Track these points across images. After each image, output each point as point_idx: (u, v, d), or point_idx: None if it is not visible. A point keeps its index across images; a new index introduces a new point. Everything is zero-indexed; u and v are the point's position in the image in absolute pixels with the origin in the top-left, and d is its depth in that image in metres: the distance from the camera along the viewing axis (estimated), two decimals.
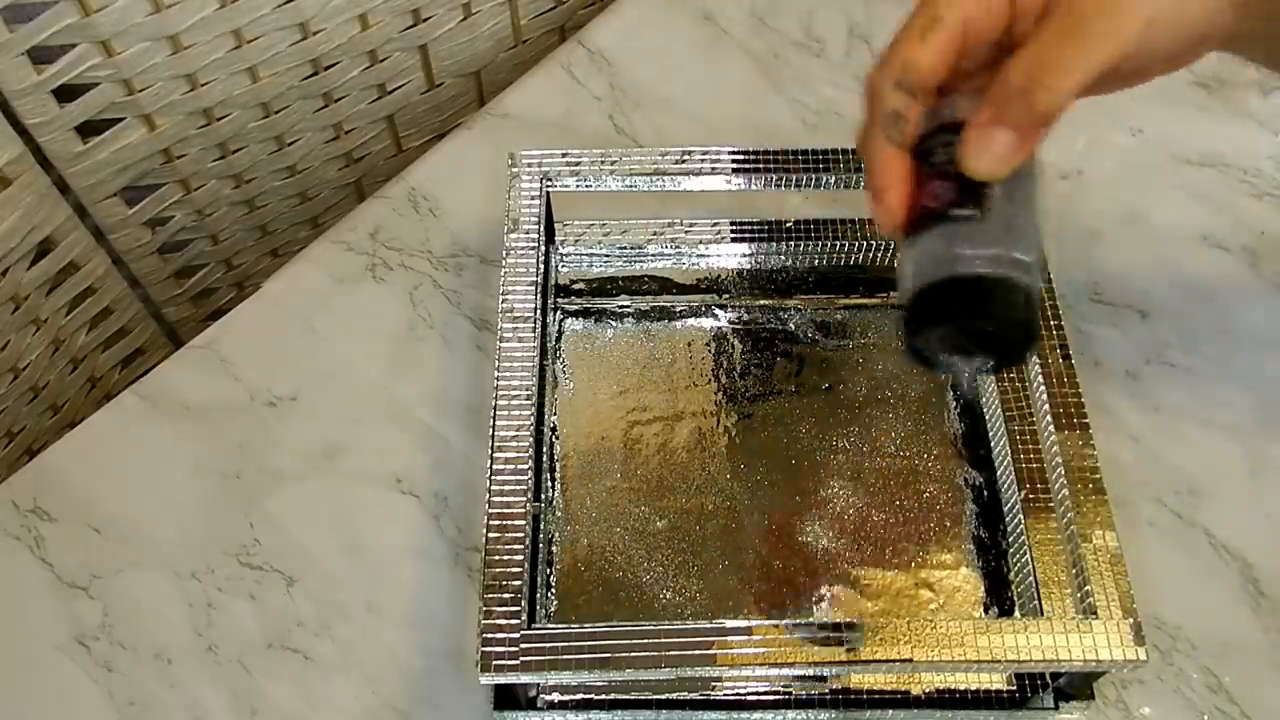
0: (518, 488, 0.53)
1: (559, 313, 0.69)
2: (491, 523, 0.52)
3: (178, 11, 0.72)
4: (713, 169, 0.62)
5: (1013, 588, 0.60)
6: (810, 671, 0.55)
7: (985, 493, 0.63)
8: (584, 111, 0.81)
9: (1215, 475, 0.65)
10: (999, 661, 0.49)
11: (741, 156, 0.62)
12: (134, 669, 0.60)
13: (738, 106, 0.81)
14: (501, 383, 0.56)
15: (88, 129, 0.75)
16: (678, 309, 0.70)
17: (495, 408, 0.56)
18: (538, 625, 0.52)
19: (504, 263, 0.60)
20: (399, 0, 0.81)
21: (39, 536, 0.64)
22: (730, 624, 0.49)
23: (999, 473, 0.63)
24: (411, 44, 0.85)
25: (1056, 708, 0.57)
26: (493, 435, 0.55)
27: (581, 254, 0.70)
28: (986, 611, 0.60)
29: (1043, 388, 0.57)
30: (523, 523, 0.52)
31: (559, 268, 0.70)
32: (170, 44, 0.73)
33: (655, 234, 0.69)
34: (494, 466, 0.54)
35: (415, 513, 0.64)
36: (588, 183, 0.63)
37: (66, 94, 0.72)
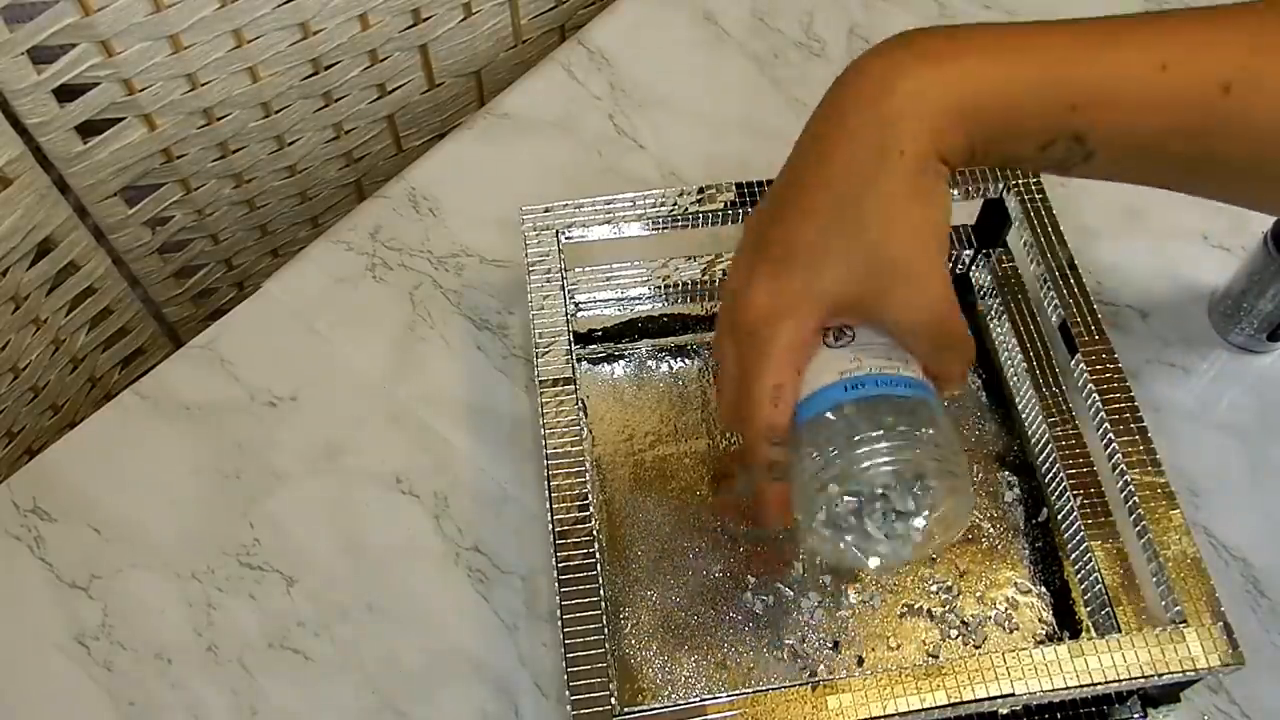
0: (587, 563, 0.52)
1: (583, 364, 0.68)
2: (565, 603, 0.51)
3: (178, 11, 0.72)
4: (723, 207, 0.62)
5: (1078, 599, 0.59)
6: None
7: (1030, 501, 0.63)
8: (584, 111, 0.81)
9: (1215, 475, 0.65)
10: (1098, 684, 0.49)
11: (747, 189, 0.63)
12: (134, 669, 0.60)
13: (738, 106, 0.81)
14: (552, 456, 0.55)
15: (88, 129, 0.75)
16: (701, 346, 0.68)
17: (549, 480, 0.55)
18: (630, 709, 0.50)
19: (533, 324, 0.60)
20: (399, 0, 0.81)
21: (39, 536, 0.64)
22: (826, 678, 0.49)
23: (1046, 481, 0.62)
24: (411, 44, 0.85)
25: (1144, 714, 0.57)
26: (551, 513, 0.54)
27: (596, 300, 0.69)
28: (1059, 624, 0.59)
29: (1095, 394, 0.57)
30: (597, 599, 0.51)
31: (576, 316, 0.69)
32: (170, 44, 0.73)
33: (666, 275, 0.68)
34: (557, 542, 0.53)
35: (415, 513, 0.64)
36: (596, 233, 0.63)
37: (66, 94, 0.72)
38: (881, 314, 0.46)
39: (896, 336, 0.47)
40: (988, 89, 0.44)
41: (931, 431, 0.46)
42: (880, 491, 0.47)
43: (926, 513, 0.47)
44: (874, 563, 0.49)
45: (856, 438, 0.45)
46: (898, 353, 0.48)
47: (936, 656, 0.58)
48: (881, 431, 0.45)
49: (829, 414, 0.46)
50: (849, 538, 0.48)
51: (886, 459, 0.45)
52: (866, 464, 0.45)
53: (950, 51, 0.45)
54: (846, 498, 0.47)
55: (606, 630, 0.51)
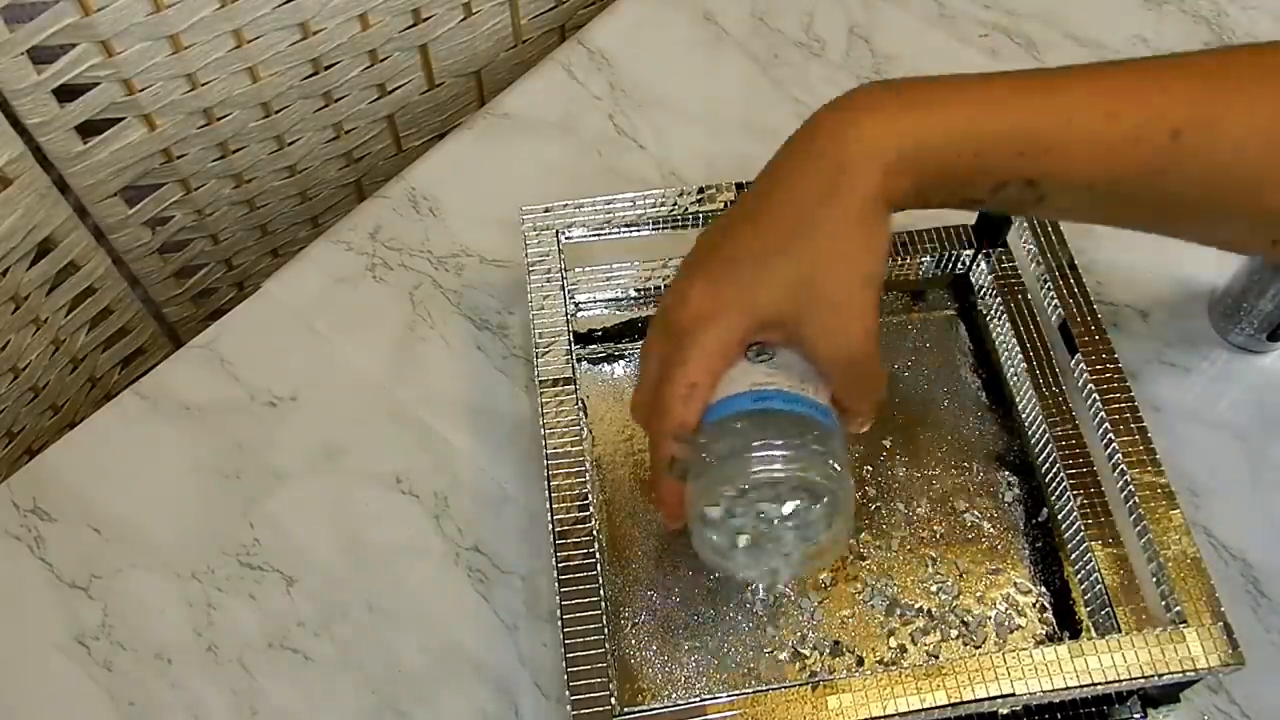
0: (587, 563, 0.53)
1: (583, 364, 0.68)
2: (565, 603, 0.52)
3: (177, 11, 0.72)
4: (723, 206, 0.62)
5: (1078, 599, 0.59)
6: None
7: (1030, 501, 0.62)
8: (584, 111, 0.81)
9: (1215, 475, 0.65)
10: (1098, 684, 0.49)
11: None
12: (134, 669, 0.60)
13: (738, 106, 0.81)
14: (552, 456, 0.56)
15: (88, 129, 0.75)
16: None
17: (549, 480, 0.55)
18: (630, 709, 0.50)
19: (533, 324, 0.60)
20: (399, 0, 0.81)
21: (39, 536, 0.64)
22: (826, 678, 0.49)
23: (1046, 481, 0.62)
24: (411, 44, 0.85)
25: (1144, 714, 0.57)
26: (551, 513, 0.54)
27: (596, 300, 0.69)
28: (1059, 624, 0.59)
29: (1095, 394, 0.57)
30: (598, 599, 0.52)
31: (575, 315, 0.69)
32: (170, 44, 0.73)
33: (666, 276, 0.68)
34: (557, 542, 0.53)
35: (415, 513, 0.64)
36: (599, 233, 0.63)
37: (66, 94, 0.72)
38: (803, 338, 0.48)
39: (814, 363, 0.49)
40: (935, 138, 0.46)
41: (823, 453, 0.47)
42: (763, 500, 0.48)
43: (804, 529, 0.49)
44: (747, 571, 0.50)
45: (750, 445, 0.47)
46: (811, 380, 0.49)
47: (936, 656, 0.58)
48: (775, 443, 0.47)
49: (731, 420, 0.48)
50: (727, 541, 0.49)
51: (774, 467, 0.46)
52: (754, 470, 0.46)
53: (901, 104, 0.47)
54: (730, 502, 0.48)
55: (606, 630, 0.51)
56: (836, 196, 0.47)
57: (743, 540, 0.49)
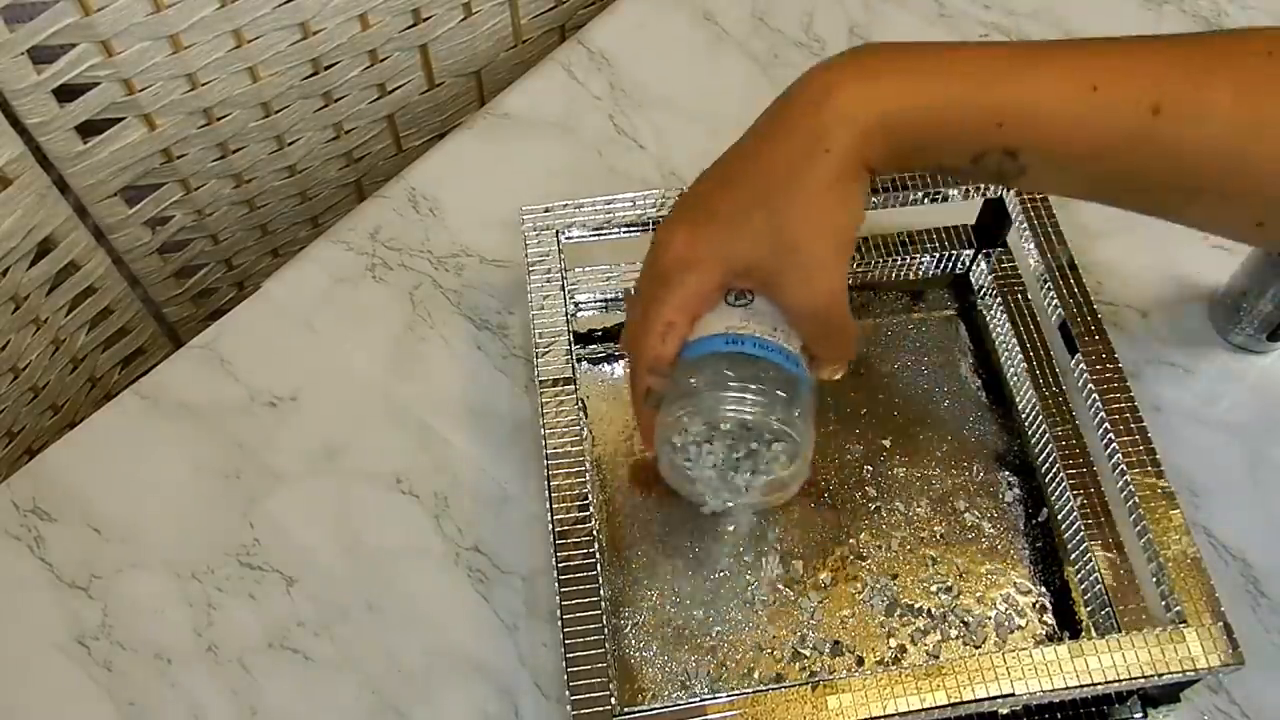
0: (587, 563, 0.53)
1: (583, 364, 0.68)
2: (565, 603, 0.52)
3: (177, 11, 0.72)
4: None
5: (1078, 599, 0.59)
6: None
7: (1030, 501, 0.62)
8: (584, 111, 0.81)
9: (1215, 475, 0.65)
10: (1098, 684, 0.49)
11: None
12: (134, 669, 0.60)
13: (738, 106, 0.80)
14: (552, 456, 0.56)
15: (88, 129, 0.75)
16: None
17: (549, 480, 0.55)
18: (630, 709, 0.50)
19: (533, 324, 0.60)
20: (399, 0, 0.81)
21: (39, 536, 0.64)
22: (826, 678, 0.49)
23: (1046, 481, 0.62)
24: (411, 44, 0.85)
25: (1144, 714, 0.57)
26: (551, 513, 0.54)
27: (596, 300, 0.69)
28: (1059, 624, 0.59)
29: (1095, 394, 0.57)
30: (597, 599, 0.52)
31: (576, 316, 0.69)
32: (170, 44, 0.73)
33: None
34: (557, 542, 0.54)
35: (415, 513, 0.64)
36: (599, 233, 0.63)
37: (66, 94, 0.72)
38: (775, 290, 0.51)
39: (786, 314, 0.52)
40: (912, 104, 0.48)
41: (785, 398, 0.50)
42: (722, 432, 0.51)
43: (763, 465, 0.52)
44: (705, 498, 0.55)
45: (717, 383, 0.50)
46: (784, 327, 0.52)
47: (937, 656, 0.58)
48: (740, 384, 0.50)
49: (703, 359, 0.51)
50: (688, 469, 0.53)
51: (734, 408, 0.50)
52: (716, 406, 0.50)
53: (884, 68, 0.49)
54: (691, 432, 0.52)
55: (606, 630, 0.51)
56: (814, 158, 0.48)
57: (703, 469, 0.53)
